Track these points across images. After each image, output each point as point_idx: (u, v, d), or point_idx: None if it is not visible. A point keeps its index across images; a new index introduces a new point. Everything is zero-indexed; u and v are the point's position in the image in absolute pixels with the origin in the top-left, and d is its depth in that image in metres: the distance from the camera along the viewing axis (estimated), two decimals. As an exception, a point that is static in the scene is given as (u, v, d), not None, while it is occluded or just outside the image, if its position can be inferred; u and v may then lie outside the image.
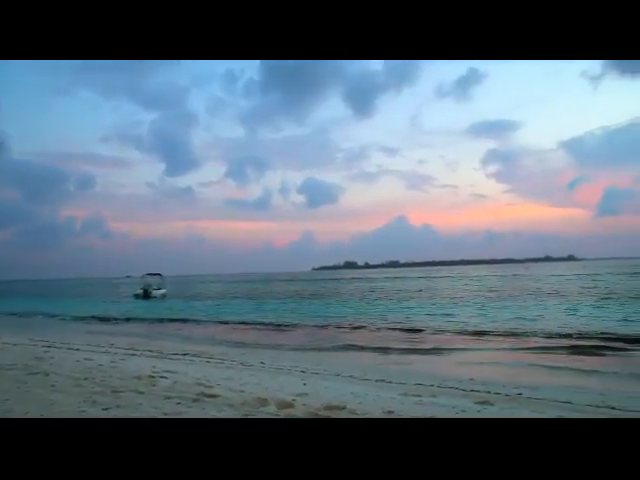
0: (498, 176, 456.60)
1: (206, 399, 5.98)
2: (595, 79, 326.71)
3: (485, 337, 15.11)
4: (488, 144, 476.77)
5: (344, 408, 5.53)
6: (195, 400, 5.89)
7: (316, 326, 19.38)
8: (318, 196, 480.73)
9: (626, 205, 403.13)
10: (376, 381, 8.11)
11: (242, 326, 20.76)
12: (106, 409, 5.35)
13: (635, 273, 57.15)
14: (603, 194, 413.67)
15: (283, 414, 5.28)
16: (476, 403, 6.28)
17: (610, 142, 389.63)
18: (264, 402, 5.79)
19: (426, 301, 29.77)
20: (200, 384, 6.98)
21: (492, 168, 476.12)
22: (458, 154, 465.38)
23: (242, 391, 6.58)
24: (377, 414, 5.33)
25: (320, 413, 5.30)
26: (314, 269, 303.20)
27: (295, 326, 19.72)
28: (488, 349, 13.13)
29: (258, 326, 20.43)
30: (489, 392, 7.13)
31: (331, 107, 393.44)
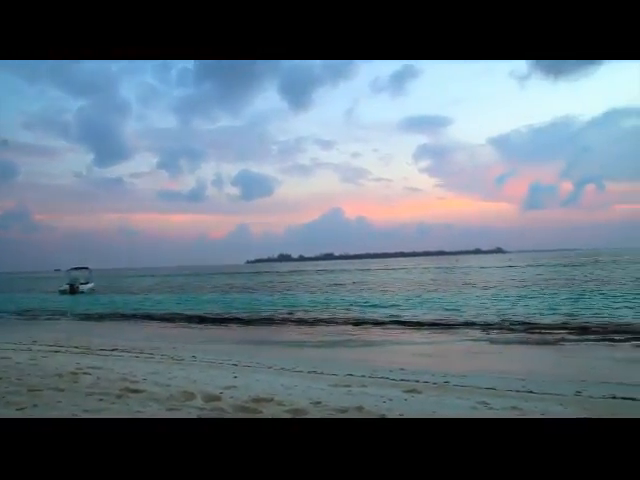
0: (430, 170, 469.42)
1: (130, 394, 5.75)
2: (522, 79, 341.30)
3: (417, 327, 15.45)
4: (421, 139, 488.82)
5: (272, 400, 5.48)
6: (118, 396, 5.65)
7: (251, 319, 19.23)
8: (253, 188, 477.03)
9: (549, 200, 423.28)
10: (308, 372, 8.12)
11: (174, 319, 20.38)
12: (21, 409, 5.04)
13: (557, 265, 60.17)
14: (528, 189, 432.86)
15: (209, 407, 5.16)
16: (404, 392, 6.38)
17: (535, 139, 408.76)
18: (190, 396, 5.65)
19: (360, 293, 30.14)
20: (125, 379, 6.74)
21: (424, 162, 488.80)
22: (392, 148, 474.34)
23: (169, 385, 6.40)
24: (304, 405, 5.31)
25: (247, 405, 5.23)
26: (248, 262, 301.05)
27: (228, 320, 19.51)
28: (420, 339, 13.44)
29: (190, 320, 20.07)
30: (418, 381, 7.27)
31: (267, 99, 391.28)
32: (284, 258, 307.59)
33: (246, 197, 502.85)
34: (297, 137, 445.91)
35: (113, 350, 10.93)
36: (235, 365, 8.91)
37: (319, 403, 5.45)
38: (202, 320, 19.85)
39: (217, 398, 5.62)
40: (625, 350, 10.88)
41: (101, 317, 22.55)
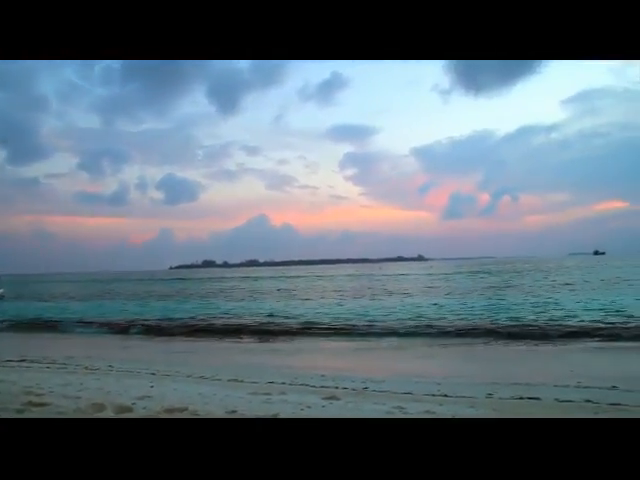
0: (355, 179, 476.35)
1: (33, 409, 5.42)
2: (445, 93, 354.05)
3: (339, 334, 15.58)
4: (347, 148, 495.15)
5: (186, 410, 5.35)
6: (19, 411, 5.31)
7: (171, 327, 18.69)
8: (178, 193, 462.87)
9: (468, 209, 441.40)
10: (228, 381, 7.98)
11: (92, 327, 19.50)
12: None
13: (472, 272, 62.70)
14: (449, 199, 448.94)
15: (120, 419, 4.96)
16: (323, 398, 6.41)
17: (455, 151, 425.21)
18: (100, 407, 5.41)
19: (282, 300, 30.02)
20: (30, 392, 6.33)
21: (350, 171, 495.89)
22: (318, 156, 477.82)
23: (78, 397, 6.08)
24: (219, 414, 5.22)
25: (160, 416, 5.07)
26: (171, 268, 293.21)
27: (150, 328, 18.88)
28: (341, 346, 13.56)
29: (109, 327, 19.25)
30: (337, 387, 7.32)
31: (195, 102, 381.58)
32: (208, 264, 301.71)
33: (170, 201, 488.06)
34: (224, 142, 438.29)
35: (21, 361, 10.28)
36: (153, 374, 8.62)
37: (234, 412, 5.37)
38: (122, 328, 19.08)
39: (129, 409, 5.42)
40: (536, 351, 11.44)
41: (11, 326, 21.20)
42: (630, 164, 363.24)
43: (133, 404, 5.69)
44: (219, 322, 19.50)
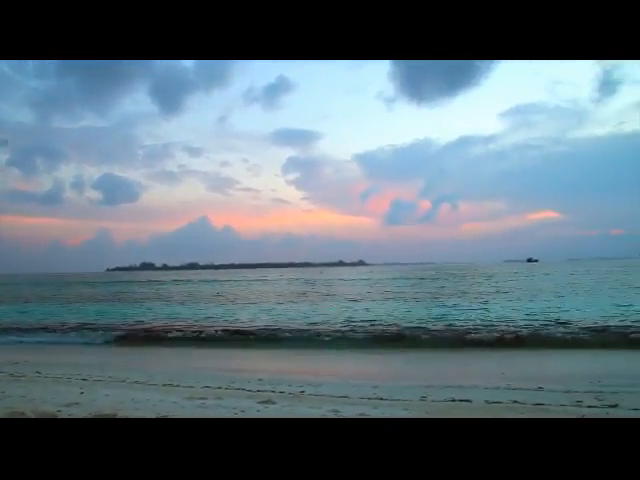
0: (298, 183, 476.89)
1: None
2: (389, 101, 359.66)
3: (279, 337, 15.50)
4: (290, 152, 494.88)
5: (115, 416, 5.18)
6: None
7: (107, 330, 18.05)
8: (116, 193, 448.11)
9: (409, 216, 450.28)
10: (163, 386, 7.81)
11: (20, 331, 18.57)
12: None
13: (411, 277, 63.92)
14: (390, 205, 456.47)
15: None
16: (259, 403, 6.37)
17: (397, 158, 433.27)
18: (20, 416, 5.15)
19: (222, 304, 29.61)
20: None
21: (293, 175, 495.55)
22: (262, 159, 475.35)
23: (-4, 406, 5.79)
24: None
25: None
26: (108, 270, 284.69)
27: (85, 331, 18.16)
28: (281, 349, 13.50)
29: (41, 331, 18.39)
30: (274, 391, 7.29)
31: (137, 101, 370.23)
32: (147, 267, 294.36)
33: (109, 202, 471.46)
34: (166, 142, 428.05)
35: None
36: (85, 380, 8.32)
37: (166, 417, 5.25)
38: (53, 332, 18.26)
39: (52, 417, 5.19)
40: (470, 355, 11.77)
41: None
42: (561, 176, 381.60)
43: (58, 411, 5.46)
44: (156, 326, 19.01)
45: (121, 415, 5.26)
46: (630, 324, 14.71)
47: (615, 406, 6.20)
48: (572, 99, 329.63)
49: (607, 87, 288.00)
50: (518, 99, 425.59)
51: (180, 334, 16.54)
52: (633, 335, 12.38)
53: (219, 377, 8.70)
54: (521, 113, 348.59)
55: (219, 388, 7.56)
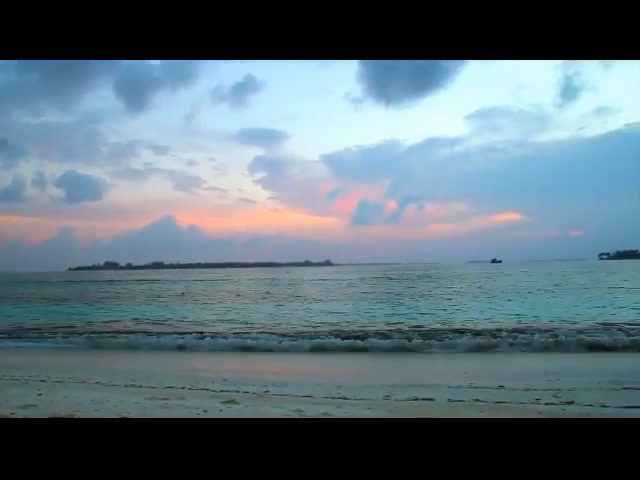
0: (265, 182, 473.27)
1: None
2: (356, 102, 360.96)
3: (246, 337, 15.38)
4: (257, 151, 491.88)
5: (73, 416, 5.08)
6: None
7: (69, 330, 17.60)
8: (80, 191, 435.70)
9: (375, 216, 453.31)
10: (125, 386, 7.69)
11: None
12: None
13: (377, 277, 64.42)
14: (357, 205, 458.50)
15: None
16: (222, 403, 6.33)
17: (364, 159, 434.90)
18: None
19: (188, 304, 29.30)
20: None
21: (259, 175, 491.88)
22: (228, 158, 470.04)
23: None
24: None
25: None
26: (71, 269, 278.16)
27: (43, 332, 17.65)
28: (246, 349, 13.42)
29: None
30: (238, 391, 7.25)
31: (101, 97, 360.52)
32: (111, 266, 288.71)
33: (71, 200, 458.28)
34: (131, 140, 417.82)
35: None
36: (43, 381, 8.11)
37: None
38: (7, 333, 17.72)
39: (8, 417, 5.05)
40: (430, 354, 11.90)
41: None
42: (524, 179, 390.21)
43: (12, 414, 5.31)
44: (119, 326, 18.67)
45: (78, 416, 5.16)
46: (588, 326, 15.10)
47: (572, 403, 6.38)
48: (535, 103, 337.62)
49: (569, 93, 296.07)
50: (483, 102, 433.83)
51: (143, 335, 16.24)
52: (590, 337, 12.66)
53: (183, 377, 8.61)
54: (486, 116, 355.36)
55: (182, 388, 7.48)
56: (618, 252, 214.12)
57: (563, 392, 7.05)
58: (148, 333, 16.40)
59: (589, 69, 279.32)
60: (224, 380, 8.27)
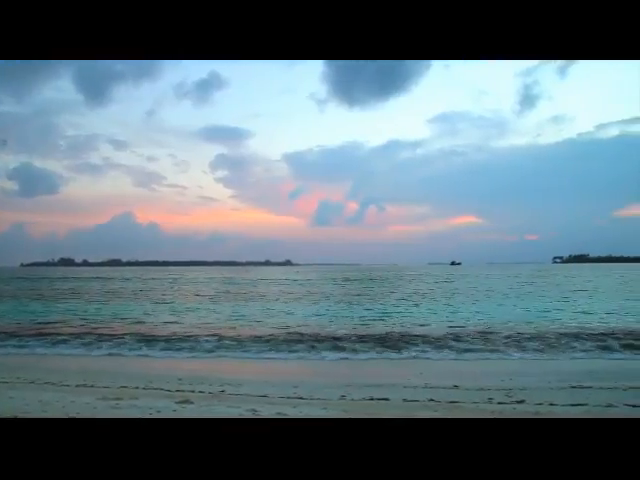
0: (226, 181, 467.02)
1: None
2: (321, 103, 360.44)
3: (201, 335, 15.18)
4: (219, 149, 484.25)
5: (16, 417, 4.92)
6: None
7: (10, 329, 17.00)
8: (34, 184, 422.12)
9: (336, 217, 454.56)
10: (76, 386, 7.49)
11: None
12: None
13: (336, 278, 64.64)
14: (318, 206, 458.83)
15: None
16: (176, 402, 6.25)
17: (326, 160, 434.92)
18: None
19: (144, 303, 28.71)
20: None
21: (221, 172, 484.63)
22: (189, 155, 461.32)
23: None
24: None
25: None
26: (23, 265, 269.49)
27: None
28: (203, 348, 13.26)
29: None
30: (193, 391, 7.18)
31: (59, 88, 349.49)
32: (66, 262, 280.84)
33: (26, 193, 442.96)
34: (90, 134, 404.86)
35: None
36: (-10, 382, 7.84)
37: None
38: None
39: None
40: (386, 355, 12.00)
41: None
42: (483, 183, 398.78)
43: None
44: (73, 325, 18.14)
45: (22, 417, 5.00)
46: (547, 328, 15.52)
47: (522, 402, 6.55)
48: (495, 110, 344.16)
49: (527, 101, 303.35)
50: (445, 106, 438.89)
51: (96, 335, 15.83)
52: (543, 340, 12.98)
53: (138, 377, 8.46)
54: (447, 120, 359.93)
55: (136, 388, 7.35)
56: (570, 256, 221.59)
57: (515, 391, 7.24)
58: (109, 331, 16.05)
59: (546, 78, 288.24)
60: (179, 380, 8.15)
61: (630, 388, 7.42)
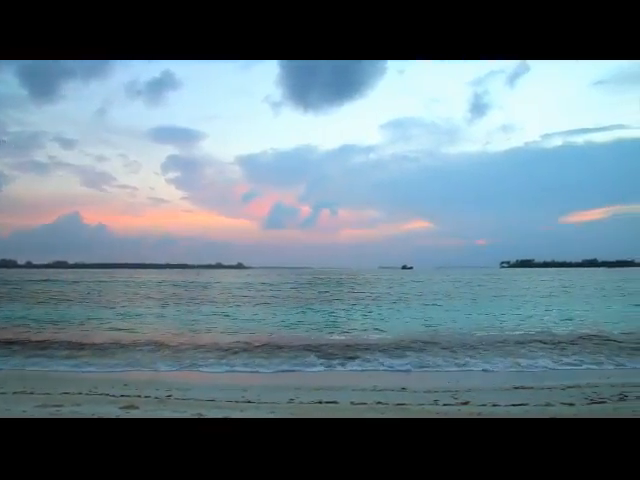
0: (178, 182, 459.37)
1: None
2: (275, 105, 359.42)
3: (145, 340, 14.87)
4: (171, 150, 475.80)
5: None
6: None
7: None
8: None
9: (289, 220, 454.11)
10: (14, 393, 7.19)
11: None
12: None
13: (292, 282, 64.56)
14: (271, 209, 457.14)
15: None
16: (120, 408, 6.11)
17: (280, 163, 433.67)
18: None
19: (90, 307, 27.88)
20: None
21: (173, 174, 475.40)
22: (140, 156, 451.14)
23: None
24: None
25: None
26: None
27: None
28: (150, 352, 12.99)
29: None
30: (140, 396, 7.02)
31: (2, 82, 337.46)
32: (8, 264, 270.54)
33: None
34: (35, 131, 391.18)
35: None
36: None
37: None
38: None
39: None
40: (337, 359, 12.05)
41: None
42: (434, 188, 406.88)
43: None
44: (12, 330, 17.43)
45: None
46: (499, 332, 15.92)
47: (467, 403, 6.70)
48: (447, 117, 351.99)
49: (477, 109, 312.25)
50: (398, 113, 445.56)
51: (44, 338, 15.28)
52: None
53: (81, 382, 8.23)
54: (400, 126, 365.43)
55: (79, 394, 7.13)
56: (517, 261, 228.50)
57: (460, 393, 7.40)
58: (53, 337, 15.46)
59: (497, 88, 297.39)
60: (125, 385, 7.96)
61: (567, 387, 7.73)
